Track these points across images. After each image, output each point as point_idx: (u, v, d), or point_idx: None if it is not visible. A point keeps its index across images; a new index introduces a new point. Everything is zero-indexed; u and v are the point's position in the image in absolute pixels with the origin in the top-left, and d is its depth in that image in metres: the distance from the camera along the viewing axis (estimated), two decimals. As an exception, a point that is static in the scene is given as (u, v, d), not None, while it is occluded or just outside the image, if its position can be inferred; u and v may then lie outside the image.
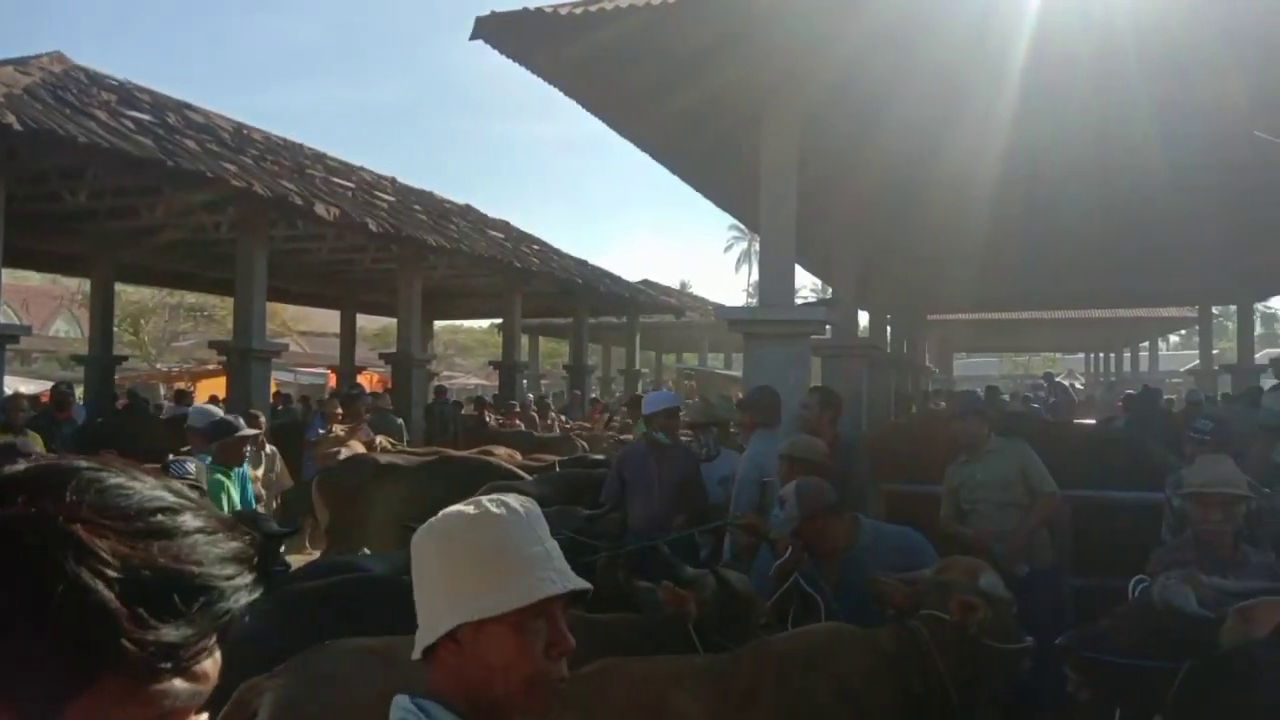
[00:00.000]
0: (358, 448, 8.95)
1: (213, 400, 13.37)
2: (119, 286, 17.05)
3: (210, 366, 22.88)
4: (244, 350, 11.07)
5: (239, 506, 5.37)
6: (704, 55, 6.58)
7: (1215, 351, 26.49)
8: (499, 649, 1.34)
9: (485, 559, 1.35)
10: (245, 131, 13.79)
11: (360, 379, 20.23)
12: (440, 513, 1.43)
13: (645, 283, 26.16)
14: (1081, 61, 6.59)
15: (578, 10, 6.09)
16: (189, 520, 0.77)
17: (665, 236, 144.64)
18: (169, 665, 0.71)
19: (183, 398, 16.04)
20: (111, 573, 0.70)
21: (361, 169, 16.10)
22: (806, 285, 36.18)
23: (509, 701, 1.36)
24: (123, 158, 8.81)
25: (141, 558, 0.72)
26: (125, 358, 18.05)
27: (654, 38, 6.44)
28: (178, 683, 0.73)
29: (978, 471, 5.23)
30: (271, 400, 13.66)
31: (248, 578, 0.79)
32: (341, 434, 9.13)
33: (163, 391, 22.81)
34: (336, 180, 13.67)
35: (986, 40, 6.30)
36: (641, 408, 6.81)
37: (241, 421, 6.19)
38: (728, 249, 71.38)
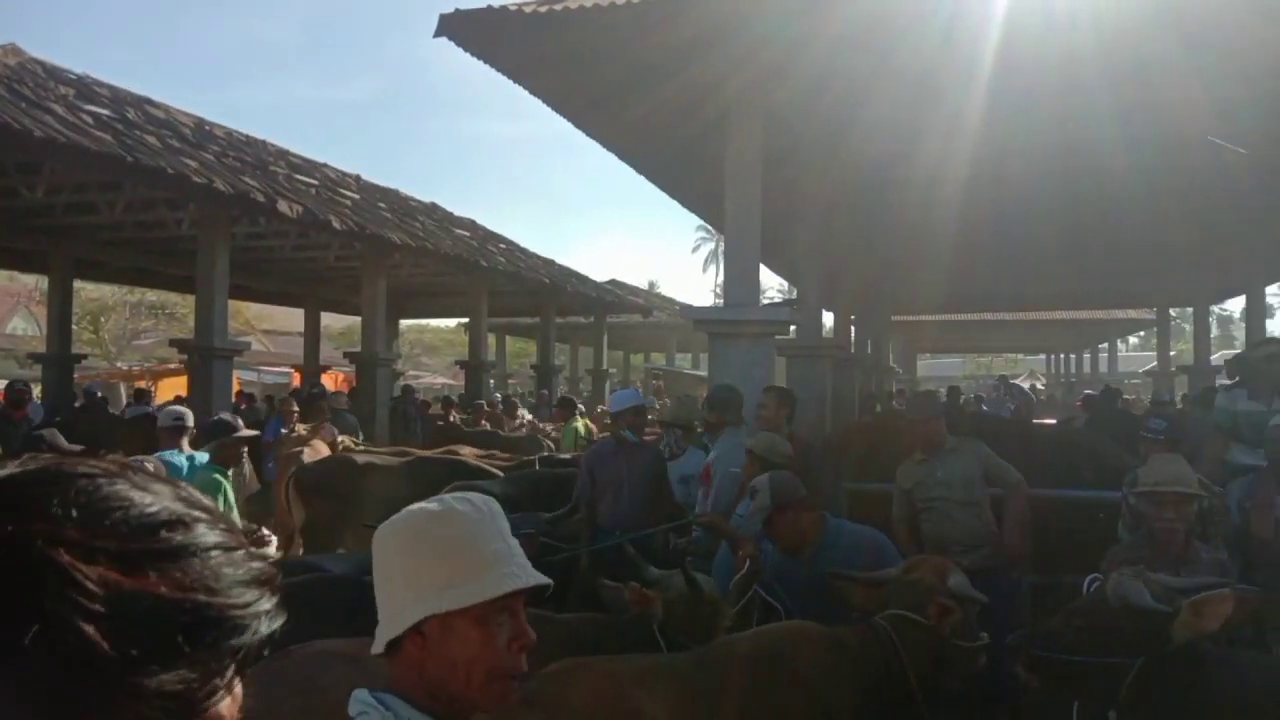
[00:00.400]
0: (321, 448, 8.88)
1: (178, 400, 13.19)
2: (78, 284, 16.75)
3: (171, 365, 22.61)
4: (205, 349, 10.94)
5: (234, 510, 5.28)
6: (669, 57, 6.60)
7: (1173, 353, 26.94)
8: (463, 642, 1.35)
9: (451, 553, 1.36)
10: (207, 127, 13.61)
11: (325, 378, 20.13)
12: (404, 510, 1.43)
13: (613, 282, 26.17)
14: (1046, 68, 6.70)
15: (542, 9, 6.08)
16: (204, 535, 0.64)
17: (634, 237, 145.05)
18: (173, 714, 0.60)
19: (142, 396, 15.82)
20: (99, 608, 0.57)
21: (325, 166, 15.96)
22: (773, 286, 36.44)
23: (470, 695, 1.37)
24: (81, 153, 8.66)
25: (137, 587, 0.59)
26: (84, 356, 17.76)
27: (619, 39, 6.45)
28: None
29: (937, 470, 5.21)
30: (234, 399, 13.52)
31: (268, 603, 0.66)
32: (304, 433, 9.05)
33: (124, 391, 22.47)
34: (300, 177, 13.54)
35: (953, 46, 6.37)
36: (573, 408, 6.85)
37: (240, 421, 6.08)
38: (695, 249, 71.66)
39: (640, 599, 3.47)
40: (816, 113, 7.96)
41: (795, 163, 9.19)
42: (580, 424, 11.42)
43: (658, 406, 12.43)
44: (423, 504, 1.44)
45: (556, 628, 3.49)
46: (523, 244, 19.92)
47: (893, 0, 6.27)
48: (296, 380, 19.94)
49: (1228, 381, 7.16)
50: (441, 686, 1.37)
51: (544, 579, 1.42)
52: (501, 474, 7.67)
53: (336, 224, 11.79)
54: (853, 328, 18.98)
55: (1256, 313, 16.25)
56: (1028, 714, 4.30)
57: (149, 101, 12.95)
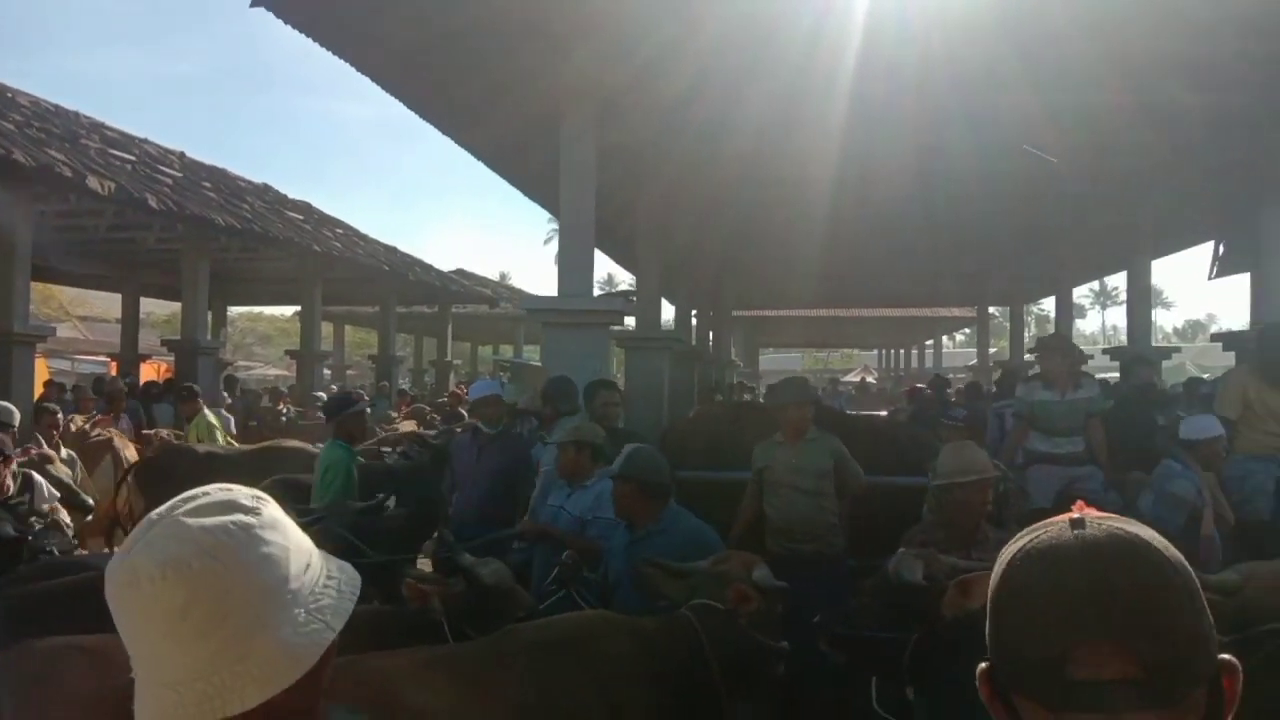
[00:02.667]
0: (124, 447, 8.44)
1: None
2: None
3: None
4: (4, 334, 10.08)
5: None
6: (497, 41, 6.49)
7: (994, 350, 28.60)
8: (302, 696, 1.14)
9: (267, 607, 1.08)
10: (9, 95, 12.57)
11: (145, 367, 18.99)
12: (189, 531, 1.07)
13: (459, 272, 25.73)
14: (899, 73, 6.87)
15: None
16: None
17: (485, 227, 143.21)
18: None
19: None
20: None
21: (145, 141, 15.00)
22: (627, 280, 36.65)
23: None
24: None
25: None
26: None
27: (446, 19, 6.29)
28: None
29: (793, 456, 5.32)
30: (42, 390, 12.54)
31: None
32: (84, 426, 8.55)
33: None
34: (115, 152, 12.67)
35: (789, 43, 6.48)
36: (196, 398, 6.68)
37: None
38: (548, 241, 71.49)
39: (417, 594, 3.38)
40: (653, 105, 7.98)
41: (633, 155, 9.23)
42: (210, 415, 10.06)
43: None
44: (214, 533, 1.09)
45: (352, 621, 3.36)
46: (365, 230, 19.34)
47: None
48: (113, 369, 18.74)
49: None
50: None
51: (344, 615, 1.16)
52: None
53: (154, 203, 11.10)
54: (694, 321, 19.31)
55: (1065, 312, 17.41)
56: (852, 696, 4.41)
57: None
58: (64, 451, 7.35)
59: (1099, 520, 0.99)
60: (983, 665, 1.02)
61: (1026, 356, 17.16)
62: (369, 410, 8.69)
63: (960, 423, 5.76)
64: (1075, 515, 1.00)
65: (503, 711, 2.66)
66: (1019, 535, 1.04)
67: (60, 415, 7.43)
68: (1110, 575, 0.93)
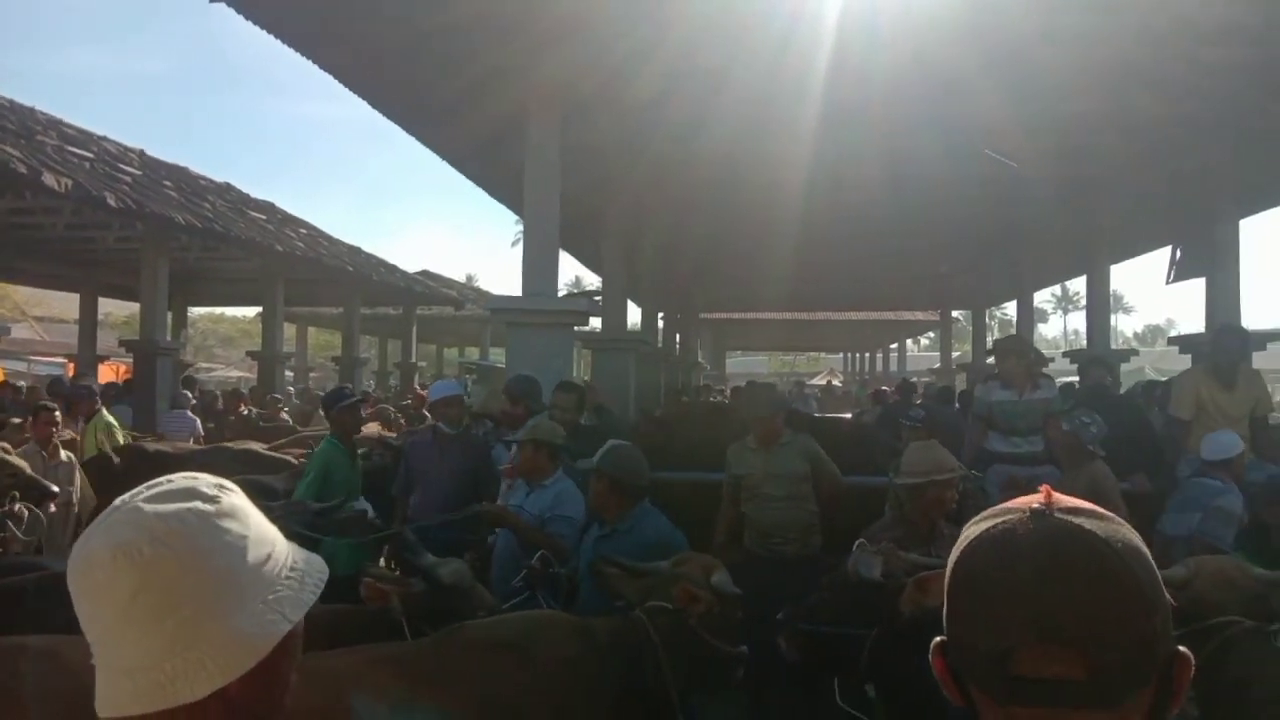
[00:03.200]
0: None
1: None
2: None
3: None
4: (-45, 333, 9.90)
5: None
6: (464, 41, 6.47)
7: (956, 353, 28.93)
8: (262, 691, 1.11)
9: (220, 595, 1.07)
10: (-39, 90, 12.32)
11: (103, 369, 18.68)
12: (144, 518, 1.06)
13: (425, 273, 25.58)
14: (868, 78, 6.91)
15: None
16: None
17: (452, 229, 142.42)
18: None
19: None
20: None
21: (105, 139, 14.75)
22: (595, 282, 36.61)
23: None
24: None
25: None
26: None
27: (413, 20, 6.25)
28: None
29: (768, 463, 5.34)
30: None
31: None
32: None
33: None
34: (73, 150, 12.44)
35: (759, 47, 6.50)
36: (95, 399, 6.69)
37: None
38: (515, 244, 71.15)
39: (375, 594, 3.35)
40: (621, 108, 7.99)
41: (600, 157, 9.23)
42: (109, 416, 9.45)
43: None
44: (175, 513, 1.09)
45: (311, 619, 3.31)
46: (331, 232, 19.15)
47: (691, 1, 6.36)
48: (71, 371, 18.42)
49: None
50: None
51: (306, 602, 1.15)
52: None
53: (113, 201, 10.91)
54: (660, 323, 19.35)
55: (1025, 316, 17.63)
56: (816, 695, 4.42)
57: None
58: (63, 453, 7.16)
59: (1062, 512, 0.97)
60: (938, 640, 1.01)
61: (989, 361, 17.34)
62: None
63: (919, 424, 5.82)
64: (1038, 505, 0.98)
65: (444, 711, 2.61)
66: (982, 516, 1.02)
67: (59, 414, 7.26)
68: (1062, 575, 0.92)
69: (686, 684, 3.17)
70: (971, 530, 1.02)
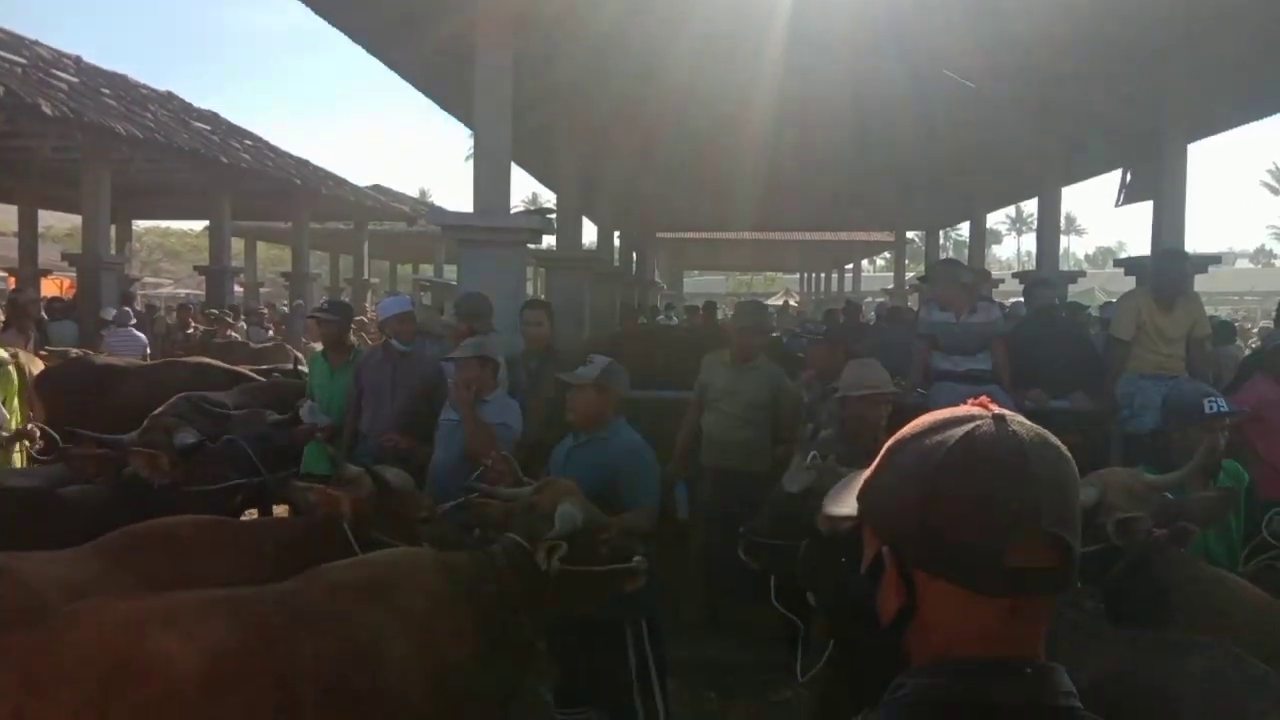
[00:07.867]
0: (30, 362, 8.13)
1: None
2: None
3: None
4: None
5: None
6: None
7: (910, 274, 29.17)
8: None
9: None
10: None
11: (46, 283, 18.26)
12: None
13: (377, 188, 25.07)
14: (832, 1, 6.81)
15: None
16: None
17: (405, 143, 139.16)
18: None
19: None
20: None
21: (37, 44, 14.17)
22: (551, 199, 36.11)
23: None
24: None
25: None
26: None
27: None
28: None
29: (734, 380, 5.46)
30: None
31: None
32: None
33: None
34: (3, 54, 11.96)
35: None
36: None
37: None
38: (469, 158, 69.73)
39: (325, 500, 3.37)
40: (575, 20, 7.81)
41: (554, 71, 9.03)
42: None
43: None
44: None
45: (250, 531, 3.35)
46: (277, 143, 18.67)
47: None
48: (11, 284, 17.99)
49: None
50: None
51: None
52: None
53: (48, 109, 10.56)
54: (616, 242, 19.25)
55: (978, 236, 17.80)
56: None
57: None
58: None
59: (1016, 417, 1.05)
60: (885, 547, 1.06)
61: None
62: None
63: (820, 336, 6.05)
64: (997, 411, 1.04)
65: (298, 656, 2.52)
66: (925, 425, 1.06)
67: None
68: (1044, 471, 1.00)
69: (568, 608, 3.14)
70: (930, 439, 1.04)
